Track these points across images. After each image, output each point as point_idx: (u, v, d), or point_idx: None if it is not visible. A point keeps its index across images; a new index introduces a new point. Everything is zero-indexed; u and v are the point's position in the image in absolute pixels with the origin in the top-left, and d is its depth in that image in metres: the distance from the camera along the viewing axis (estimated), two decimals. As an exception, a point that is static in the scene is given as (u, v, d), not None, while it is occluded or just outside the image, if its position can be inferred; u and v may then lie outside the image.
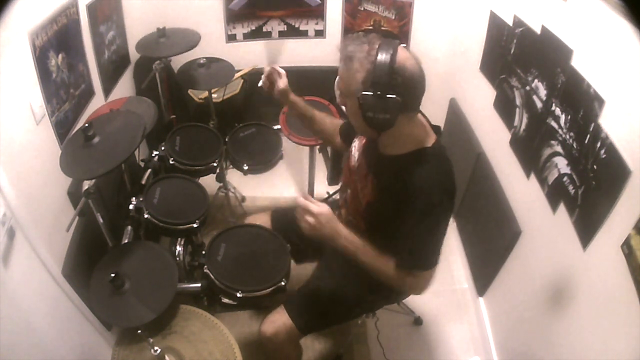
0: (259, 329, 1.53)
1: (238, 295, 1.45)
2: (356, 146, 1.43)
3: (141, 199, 1.71)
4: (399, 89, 1.09)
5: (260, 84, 1.55)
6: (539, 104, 1.65)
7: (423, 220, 1.19)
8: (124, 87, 2.44)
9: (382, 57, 1.08)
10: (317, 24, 2.73)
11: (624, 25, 1.18)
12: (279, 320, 1.50)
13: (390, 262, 1.26)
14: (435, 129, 1.29)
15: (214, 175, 2.18)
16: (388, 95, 1.09)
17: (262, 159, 2.13)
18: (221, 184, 2.50)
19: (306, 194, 1.30)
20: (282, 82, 1.51)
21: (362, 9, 2.65)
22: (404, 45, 1.15)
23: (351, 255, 1.28)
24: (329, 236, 1.25)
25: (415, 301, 2.16)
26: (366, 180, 1.33)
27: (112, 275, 1.32)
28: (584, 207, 1.35)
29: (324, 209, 1.24)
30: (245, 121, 2.29)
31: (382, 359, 2.02)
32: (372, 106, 1.11)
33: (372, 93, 1.10)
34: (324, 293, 1.54)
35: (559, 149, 1.51)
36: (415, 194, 1.18)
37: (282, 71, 1.53)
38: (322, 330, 1.72)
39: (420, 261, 1.24)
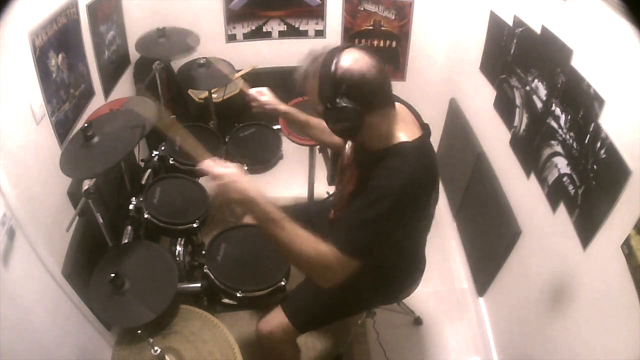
0: (256, 328, 1.53)
1: (238, 295, 1.45)
2: (349, 144, 1.44)
3: (141, 199, 1.72)
4: (350, 94, 1.08)
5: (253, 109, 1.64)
6: (539, 104, 1.65)
7: (376, 204, 1.11)
8: (124, 87, 2.44)
9: (325, 69, 1.09)
10: (317, 24, 2.73)
11: (624, 25, 1.18)
12: (275, 318, 1.50)
13: (314, 240, 1.13)
14: (424, 126, 1.27)
15: (214, 175, 2.18)
16: (339, 105, 1.08)
17: (262, 159, 2.13)
18: (221, 184, 2.50)
19: (212, 158, 1.20)
20: (265, 98, 1.60)
21: (362, 9, 2.65)
22: (361, 45, 1.16)
23: (263, 225, 1.14)
24: (239, 200, 1.13)
25: (415, 301, 2.16)
26: (352, 175, 1.34)
27: (112, 275, 1.32)
28: (584, 207, 1.35)
29: (228, 169, 1.14)
30: (245, 121, 2.29)
31: (382, 359, 2.02)
32: (332, 118, 1.12)
33: (324, 107, 1.11)
34: (320, 291, 1.53)
35: (559, 149, 1.51)
36: (378, 177, 1.14)
37: (262, 89, 1.62)
38: (319, 328, 1.72)
39: (351, 243, 1.12)
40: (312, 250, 1.12)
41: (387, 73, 1.16)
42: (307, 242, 1.13)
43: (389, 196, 1.11)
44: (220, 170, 1.13)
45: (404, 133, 1.21)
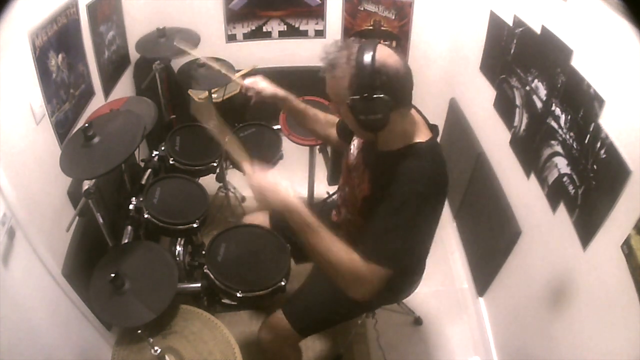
0: (257, 333, 1.53)
1: (238, 295, 1.45)
2: (355, 144, 1.44)
3: (141, 199, 1.71)
4: (385, 86, 1.09)
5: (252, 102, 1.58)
6: (539, 104, 1.65)
7: (402, 209, 1.12)
8: (124, 87, 2.44)
9: (363, 58, 1.08)
10: (317, 24, 2.73)
11: (624, 25, 1.18)
12: (277, 324, 1.50)
13: (348, 250, 1.14)
14: (432, 127, 1.28)
15: (214, 175, 2.18)
16: (375, 95, 1.09)
17: (262, 159, 2.12)
18: (221, 184, 2.50)
19: (253, 163, 1.22)
20: (262, 85, 1.54)
21: (362, 9, 2.65)
22: (387, 43, 1.16)
23: (302, 234, 1.15)
24: (278, 207, 1.15)
25: (415, 301, 2.16)
26: (363, 176, 1.34)
27: (112, 275, 1.32)
28: (584, 207, 1.35)
29: (269, 177, 1.17)
30: (245, 121, 2.29)
31: (382, 359, 2.02)
32: (363, 109, 1.12)
33: (359, 96, 1.10)
34: (321, 294, 1.53)
35: (559, 149, 1.51)
36: (400, 181, 1.15)
37: (255, 77, 1.57)
38: (321, 331, 1.72)
39: (381, 252, 1.12)
40: (346, 260, 1.12)
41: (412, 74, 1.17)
42: (341, 252, 1.13)
43: (412, 200, 1.12)
44: (261, 177, 1.16)
45: (418, 135, 1.22)
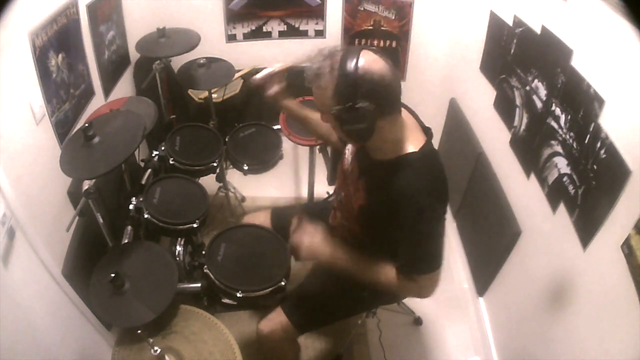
0: (256, 328, 1.53)
1: (238, 295, 1.45)
2: (349, 149, 1.43)
3: (141, 199, 1.72)
4: (369, 94, 1.07)
5: (257, 77, 1.49)
6: (539, 104, 1.65)
7: (416, 226, 1.18)
8: (124, 87, 2.44)
9: (344, 67, 1.06)
10: (317, 24, 2.73)
11: (624, 25, 1.18)
12: (275, 318, 1.50)
13: (391, 270, 1.26)
14: (426, 130, 1.26)
15: (214, 175, 2.18)
16: (359, 105, 1.07)
17: (262, 159, 2.13)
18: (221, 184, 2.51)
19: (296, 220, 1.35)
20: (275, 88, 1.49)
21: (362, 9, 2.65)
22: (374, 47, 1.14)
23: (350, 271, 1.30)
24: (322, 256, 1.31)
25: (415, 301, 2.16)
26: (358, 184, 1.32)
27: (112, 275, 1.32)
28: (584, 207, 1.35)
29: (309, 235, 1.31)
30: (245, 121, 2.30)
31: (382, 359, 2.02)
32: (348, 119, 1.10)
33: (343, 106, 1.08)
34: (320, 291, 1.54)
35: (559, 149, 1.51)
36: (402, 200, 1.16)
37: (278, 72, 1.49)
38: (319, 328, 1.71)
39: (419, 265, 1.22)
40: (397, 284, 1.25)
41: (400, 79, 1.16)
42: (391, 275, 1.26)
43: (420, 215, 1.16)
44: (303, 239, 1.31)
45: (410, 141, 1.20)
